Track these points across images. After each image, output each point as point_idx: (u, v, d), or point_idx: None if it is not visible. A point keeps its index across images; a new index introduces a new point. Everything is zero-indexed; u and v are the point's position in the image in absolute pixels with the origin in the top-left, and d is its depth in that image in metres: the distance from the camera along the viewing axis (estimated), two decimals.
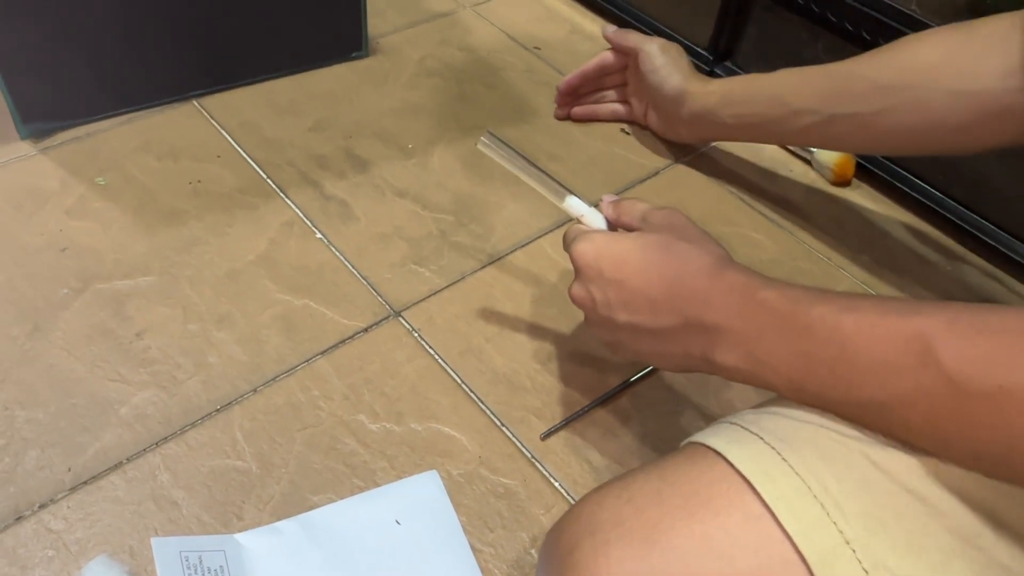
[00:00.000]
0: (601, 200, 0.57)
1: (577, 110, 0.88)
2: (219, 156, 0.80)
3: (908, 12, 0.75)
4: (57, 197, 0.74)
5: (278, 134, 0.83)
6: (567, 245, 0.54)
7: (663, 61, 0.80)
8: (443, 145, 0.84)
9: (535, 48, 0.97)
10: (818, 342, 0.40)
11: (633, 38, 0.82)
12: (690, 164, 0.86)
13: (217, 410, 0.61)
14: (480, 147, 0.57)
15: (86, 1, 0.75)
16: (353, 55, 0.92)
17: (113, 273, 0.69)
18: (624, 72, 0.86)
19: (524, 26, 1.01)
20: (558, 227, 0.77)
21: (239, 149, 0.81)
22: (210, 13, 0.81)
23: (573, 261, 0.52)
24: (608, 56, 0.85)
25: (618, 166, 0.84)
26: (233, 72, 0.87)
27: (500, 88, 0.91)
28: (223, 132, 0.82)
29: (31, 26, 0.73)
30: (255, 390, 0.62)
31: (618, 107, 0.88)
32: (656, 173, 0.84)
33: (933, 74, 0.60)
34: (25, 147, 0.78)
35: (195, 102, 0.85)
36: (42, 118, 0.79)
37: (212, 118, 0.84)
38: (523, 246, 0.75)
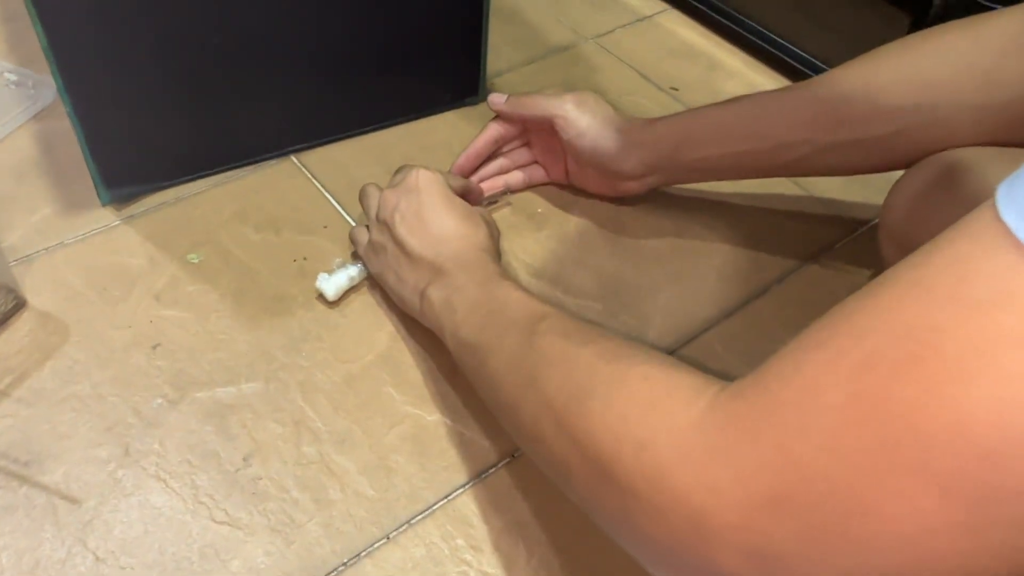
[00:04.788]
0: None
1: (485, 189, 0.72)
2: (326, 227, 0.69)
3: None
4: (146, 278, 0.64)
5: None
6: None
7: (588, 121, 0.66)
8: (579, 212, 0.72)
9: (672, 89, 0.85)
10: (490, 299, 0.52)
11: (537, 105, 0.68)
12: None
13: (344, 564, 0.50)
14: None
15: (173, 52, 0.64)
16: (467, 100, 0.81)
17: (213, 378, 0.58)
18: (524, 135, 0.73)
19: (656, 62, 0.89)
20: (726, 317, 0.65)
21: (348, 217, 0.70)
22: (309, 61, 0.70)
23: (410, 174, 0.60)
24: (498, 129, 0.71)
25: (788, 237, 0.72)
26: (335, 124, 0.76)
27: None
28: (328, 196, 0.72)
29: (115, 79, 0.63)
30: (387, 537, 0.51)
31: (532, 173, 0.74)
32: (831, 248, 0.71)
33: (950, 89, 0.54)
34: (107, 215, 0.69)
35: (294, 158, 0.75)
36: (127, 182, 0.69)
37: (315, 178, 0.73)
38: (688, 342, 0.63)
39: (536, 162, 0.74)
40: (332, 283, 0.63)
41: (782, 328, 0.65)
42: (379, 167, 0.75)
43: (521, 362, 0.45)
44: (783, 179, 0.77)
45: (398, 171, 0.64)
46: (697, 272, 0.68)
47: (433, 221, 0.58)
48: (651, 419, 0.34)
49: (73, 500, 0.52)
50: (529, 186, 0.74)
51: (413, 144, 0.77)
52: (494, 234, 0.61)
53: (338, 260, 0.66)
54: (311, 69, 0.71)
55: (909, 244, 0.56)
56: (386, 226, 0.60)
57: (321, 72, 0.72)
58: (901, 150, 0.58)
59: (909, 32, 0.75)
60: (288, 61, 0.69)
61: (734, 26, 0.90)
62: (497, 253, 0.60)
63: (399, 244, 0.58)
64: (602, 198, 0.73)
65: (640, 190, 0.69)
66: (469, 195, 0.66)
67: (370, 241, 0.62)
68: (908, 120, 0.56)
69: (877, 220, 0.69)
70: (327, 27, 0.69)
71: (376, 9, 0.70)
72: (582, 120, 0.66)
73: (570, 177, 0.73)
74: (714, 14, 0.91)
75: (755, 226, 0.72)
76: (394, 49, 0.74)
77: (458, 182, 0.65)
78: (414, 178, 0.60)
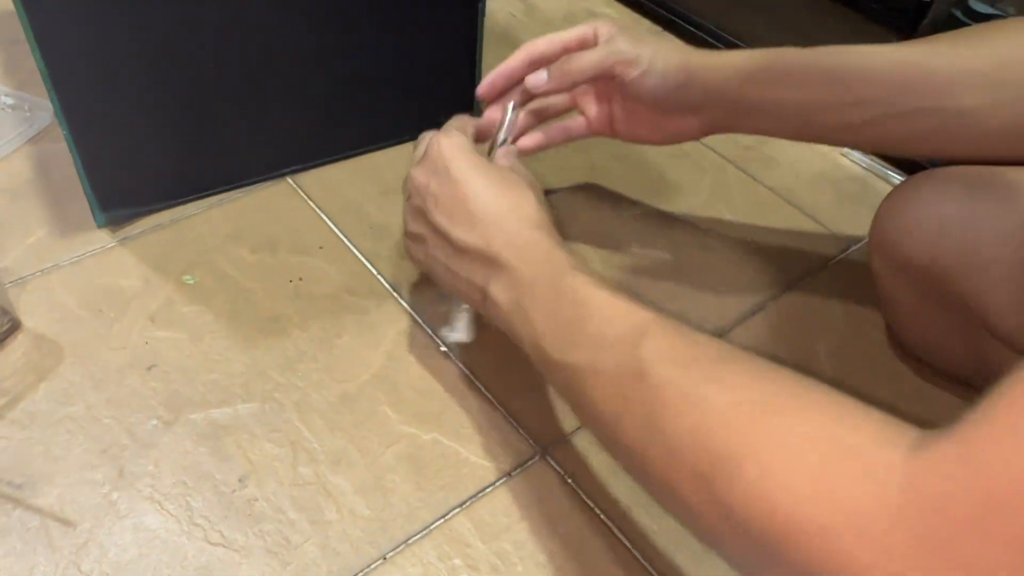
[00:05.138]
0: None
1: (526, 143, 0.66)
2: (321, 247, 0.69)
3: None
4: (140, 299, 0.64)
5: (386, 218, 0.72)
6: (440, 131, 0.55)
7: (650, 55, 0.58)
8: (575, 232, 0.73)
9: None
10: (567, 303, 0.45)
11: (591, 65, 0.59)
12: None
13: None
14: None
15: (169, 76, 0.65)
16: None
17: (208, 399, 0.58)
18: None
19: None
20: (722, 335, 0.65)
21: (343, 238, 0.70)
22: (304, 83, 0.71)
23: (431, 146, 0.54)
24: (537, 48, 0.62)
25: (777, 256, 0.72)
26: (331, 146, 0.76)
27: (632, 160, 0.80)
28: (324, 217, 0.72)
29: (111, 103, 0.64)
30: (384, 557, 0.51)
31: (572, 125, 0.67)
32: (824, 266, 0.72)
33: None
34: (103, 237, 0.69)
35: (290, 180, 0.75)
36: (122, 204, 0.69)
37: (310, 199, 0.73)
38: None
39: (575, 107, 0.67)
40: (461, 329, 0.60)
41: (777, 347, 0.65)
42: (374, 188, 0.75)
43: (630, 397, 0.39)
44: (776, 198, 0.77)
45: (418, 142, 0.58)
46: (692, 291, 0.69)
47: (471, 200, 0.50)
48: (828, 495, 0.28)
49: (67, 523, 0.51)
50: (569, 139, 0.67)
51: (408, 166, 0.77)
52: (540, 196, 0.52)
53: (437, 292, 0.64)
54: (306, 91, 0.71)
55: (900, 258, 0.57)
56: (421, 213, 0.53)
57: (316, 94, 0.72)
58: (985, 130, 0.52)
59: None
60: (283, 83, 0.70)
61: (720, 45, 0.91)
62: (552, 224, 0.51)
63: (440, 234, 0.52)
64: (651, 144, 0.66)
65: (695, 132, 0.62)
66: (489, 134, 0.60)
67: (407, 232, 0.56)
68: (984, 98, 0.51)
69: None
70: (322, 50, 0.70)
71: (370, 31, 0.71)
72: (644, 56, 0.58)
73: (615, 125, 0.65)
74: (708, 36, 0.92)
75: (749, 244, 0.73)
76: (389, 71, 0.74)
77: (475, 124, 0.60)
78: (436, 149, 0.53)
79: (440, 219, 0.51)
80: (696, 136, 0.63)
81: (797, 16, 0.84)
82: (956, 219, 0.54)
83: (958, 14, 0.71)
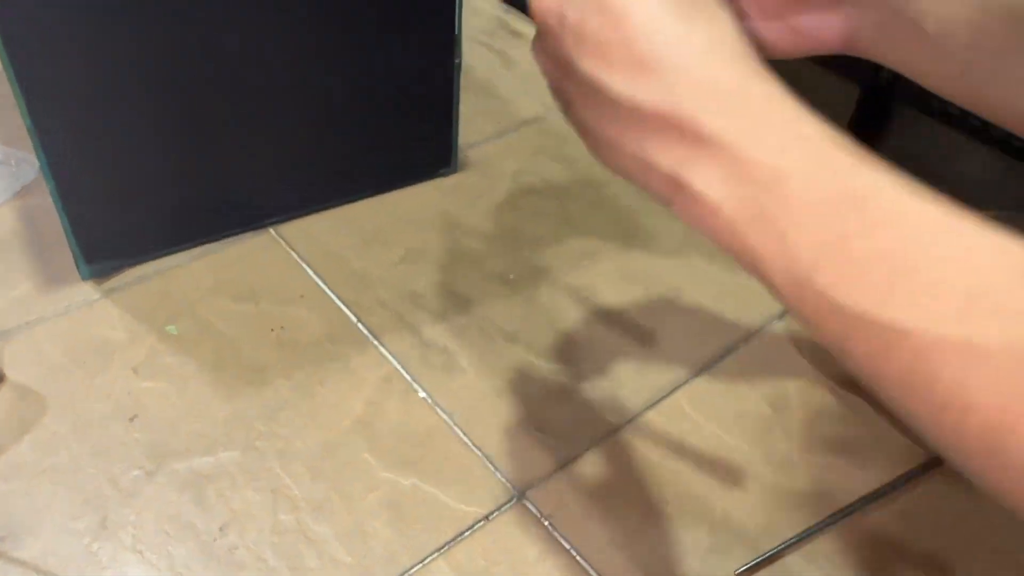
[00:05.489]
0: None
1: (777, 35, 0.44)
2: (303, 296, 0.71)
3: None
4: (124, 351, 0.65)
5: (366, 267, 0.74)
6: None
7: None
8: (550, 277, 0.74)
9: None
10: (871, 222, 0.28)
11: None
12: None
13: None
14: None
15: (154, 133, 0.67)
16: (441, 172, 0.84)
17: (191, 448, 0.59)
18: None
19: None
20: (694, 377, 0.67)
21: (324, 287, 0.72)
22: (285, 137, 0.73)
23: None
24: None
25: (752, 299, 0.74)
26: (312, 197, 0.78)
27: (607, 206, 0.82)
28: (305, 266, 0.73)
29: (96, 158, 0.65)
30: None
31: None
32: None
33: None
34: (88, 289, 0.70)
35: (272, 231, 0.77)
36: (107, 256, 0.71)
37: (292, 249, 0.75)
38: (657, 403, 0.65)
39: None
40: None
41: (749, 388, 0.67)
42: (355, 237, 0.77)
43: None
44: None
45: None
46: (665, 333, 0.70)
47: (634, 32, 0.32)
48: None
49: (50, 575, 0.52)
50: (821, 48, 0.45)
51: (388, 215, 0.80)
52: (738, 23, 0.34)
53: None
54: (287, 145, 0.73)
55: None
56: (558, 57, 0.35)
57: (296, 147, 0.74)
58: None
59: (859, 102, 0.79)
60: (264, 138, 0.72)
61: None
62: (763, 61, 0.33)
63: (591, 88, 0.33)
64: (779, 57, 0.45)
65: (834, 39, 0.43)
66: None
67: (552, 88, 0.38)
68: None
69: None
70: (302, 104, 0.72)
71: (350, 86, 0.73)
72: None
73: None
74: None
75: (719, 286, 0.75)
76: (368, 124, 0.76)
77: None
78: None
79: (588, 69, 0.33)
80: (835, 46, 0.44)
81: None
82: None
83: None
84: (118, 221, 0.70)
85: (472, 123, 0.91)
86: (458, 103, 0.79)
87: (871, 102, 0.79)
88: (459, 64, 0.76)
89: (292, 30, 0.67)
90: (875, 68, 0.76)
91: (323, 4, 0.67)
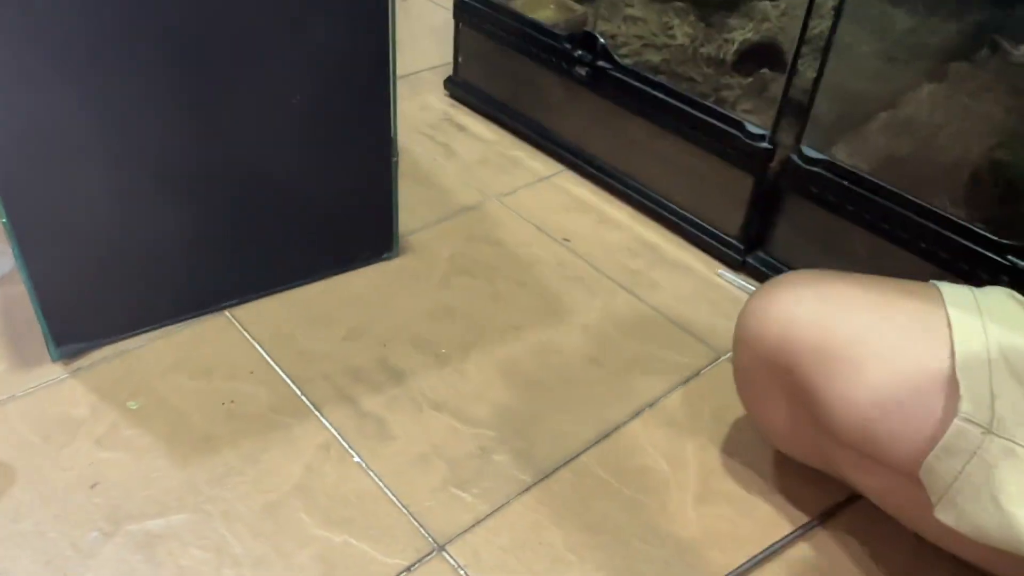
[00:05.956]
0: None
1: None
2: (252, 372, 0.78)
3: (955, 219, 0.75)
4: (88, 425, 0.72)
5: (312, 345, 0.82)
6: None
7: None
8: (479, 350, 0.82)
9: (564, 240, 0.98)
10: None
11: None
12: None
13: None
14: None
15: (120, 226, 0.75)
16: (384, 256, 0.92)
17: (144, 511, 0.66)
18: None
19: (552, 217, 1.02)
20: (603, 438, 0.74)
21: (273, 364, 0.79)
22: (237, 228, 0.81)
23: None
24: None
25: (658, 367, 0.82)
26: (264, 281, 0.86)
27: (532, 285, 0.91)
28: (256, 345, 0.81)
29: (67, 252, 0.73)
30: None
31: None
32: (698, 373, 0.82)
33: None
34: (57, 370, 0.77)
35: (227, 312, 0.85)
36: (75, 339, 0.78)
37: (245, 330, 0.83)
38: (568, 462, 0.72)
39: None
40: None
41: (652, 448, 0.74)
42: (303, 318, 0.85)
43: None
44: (658, 315, 0.88)
45: None
46: (578, 399, 0.78)
47: None
48: None
49: None
50: None
51: (335, 297, 0.88)
52: None
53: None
54: (241, 236, 0.82)
55: (756, 352, 0.65)
56: None
57: (248, 236, 0.83)
58: None
59: (754, 189, 0.89)
60: (220, 230, 0.80)
61: (620, 185, 1.03)
62: None
63: None
64: None
65: None
66: None
67: None
68: None
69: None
70: (255, 201, 0.81)
71: (300, 184, 0.82)
72: None
73: None
74: (603, 175, 1.05)
75: (628, 354, 0.83)
76: (316, 216, 0.85)
77: None
78: None
79: None
80: None
81: (665, 153, 0.97)
82: (804, 320, 0.61)
83: (794, 157, 0.84)
84: (86, 308, 0.78)
85: (415, 211, 1.00)
86: (396, 196, 0.89)
87: (763, 190, 0.88)
88: (396, 162, 0.86)
89: (247, 136, 0.77)
90: (764, 161, 0.86)
91: (274, 115, 0.76)
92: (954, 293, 0.59)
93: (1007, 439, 0.52)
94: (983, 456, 0.52)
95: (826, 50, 0.79)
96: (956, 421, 0.52)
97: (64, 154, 0.69)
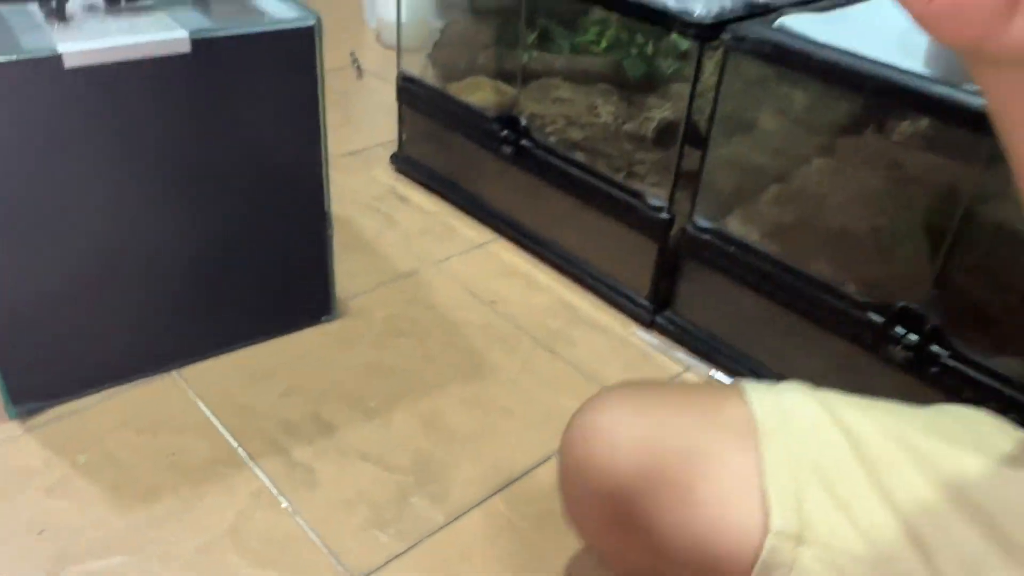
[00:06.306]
0: None
1: None
2: (195, 427, 0.85)
3: (823, 281, 0.84)
4: (40, 476, 0.79)
5: (251, 401, 0.89)
6: None
7: None
8: (405, 404, 0.90)
9: (491, 302, 1.06)
10: None
11: None
12: None
13: None
14: None
15: (72, 298, 0.83)
16: (323, 319, 1.00)
17: (87, 554, 0.72)
18: None
19: (483, 281, 1.10)
20: (512, 482, 0.82)
21: (213, 419, 0.87)
22: (182, 294, 0.89)
23: None
24: None
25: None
26: (210, 343, 0.94)
27: (460, 345, 0.99)
28: (199, 403, 0.88)
29: (24, 319, 0.81)
30: None
31: None
32: None
33: None
34: (13, 427, 0.84)
35: (175, 372, 0.92)
36: (32, 398, 0.85)
37: (190, 388, 0.90)
38: (479, 504, 0.79)
39: None
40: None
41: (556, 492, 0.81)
42: (245, 376, 0.92)
43: None
44: (573, 371, 0.96)
45: None
46: (494, 445, 0.86)
47: None
48: None
49: None
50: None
51: (278, 358, 0.95)
52: None
53: None
54: (187, 302, 0.90)
55: (584, 483, 0.59)
56: None
57: (195, 303, 0.90)
58: None
59: (658, 256, 0.98)
60: (167, 297, 0.88)
61: (545, 251, 1.13)
62: None
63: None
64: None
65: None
66: None
67: None
68: None
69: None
70: (198, 272, 0.89)
71: (242, 256, 0.90)
72: None
73: None
74: (530, 242, 1.14)
75: (542, 407, 0.90)
76: (260, 284, 0.93)
77: None
78: None
79: None
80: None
81: (583, 222, 1.06)
82: (627, 447, 0.58)
83: (689, 227, 0.93)
84: (41, 370, 0.85)
85: (356, 277, 1.09)
86: (332, 264, 0.97)
87: (666, 256, 0.98)
88: (331, 235, 0.94)
89: (194, 214, 0.85)
90: (665, 229, 0.96)
91: (218, 195, 0.85)
92: (758, 396, 0.58)
93: (821, 543, 0.51)
94: (800, 571, 0.51)
95: (708, 129, 0.89)
96: (769, 538, 0.52)
97: (22, 229, 0.77)
